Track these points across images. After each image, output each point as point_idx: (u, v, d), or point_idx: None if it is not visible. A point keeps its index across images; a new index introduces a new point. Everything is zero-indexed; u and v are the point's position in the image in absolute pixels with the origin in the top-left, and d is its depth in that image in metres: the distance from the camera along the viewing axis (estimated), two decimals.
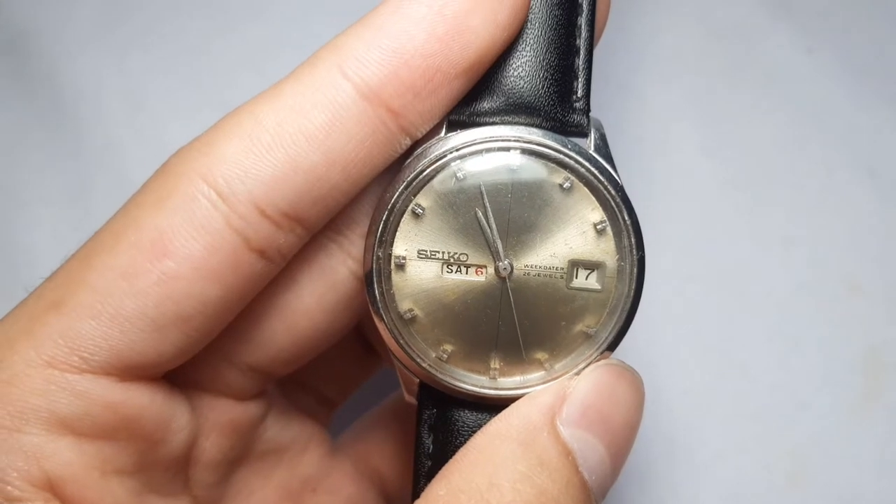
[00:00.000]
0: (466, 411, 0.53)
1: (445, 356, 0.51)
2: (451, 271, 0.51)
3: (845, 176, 0.86)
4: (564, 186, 0.50)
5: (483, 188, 0.50)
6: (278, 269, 0.51)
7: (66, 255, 0.50)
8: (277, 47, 0.89)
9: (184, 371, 0.53)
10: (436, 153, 0.50)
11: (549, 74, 0.52)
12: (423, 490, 0.48)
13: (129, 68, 0.89)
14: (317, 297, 0.55)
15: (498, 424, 0.48)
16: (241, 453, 0.60)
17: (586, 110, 0.52)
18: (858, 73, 0.87)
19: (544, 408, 0.48)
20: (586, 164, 0.50)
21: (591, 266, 0.51)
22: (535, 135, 0.50)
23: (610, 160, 0.51)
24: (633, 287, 0.51)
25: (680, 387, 0.82)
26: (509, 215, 0.50)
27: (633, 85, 0.88)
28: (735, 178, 0.86)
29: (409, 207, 0.50)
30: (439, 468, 0.48)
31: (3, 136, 0.89)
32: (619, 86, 0.88)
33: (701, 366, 0.83)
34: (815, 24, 0.88)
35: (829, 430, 0.81)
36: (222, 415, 0.57)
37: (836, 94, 0.87)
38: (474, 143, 0.50)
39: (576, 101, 0.52)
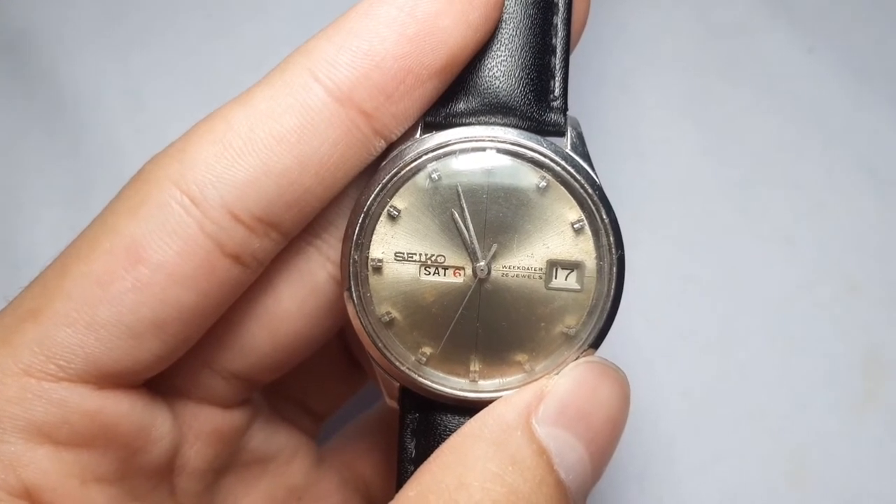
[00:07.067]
0: (449, 415, 0.52)
1: (424, 359, 0.51)
2: (429, 273, 0.50)
3: (845, 176, 0.85)
4: (541, 186, 0.50)
5: (459, 189, 0.50)
6: (255, 274, 0.51)
7: None
8: (277, 47, 0.89)
9: (165, 378, 0.53)
10: (411, 155, 0.50)
11: (525, 74, 0.51)
12: None
13: (129, 68, 0.90)
14: (297, 301, 0.55)
15: (472, 425, 0.48)
16: (227, 462, 0.60)
17: (563, 109, 0.52)
18: (858, 73, 0.87)
19: (520, 406, 0.48)
20: (562, 163, 0.50)
21: (570, 266, 0.50)
22: (510, 135, 0.50)
23: (587, 159, 0.51)
24: (613, 286, 0.50)
25: (679, 387, 0.82)
26: (486, 216, 0.50)
27: (632, 85, 0.88)
28: (735, 178, 0.86)
29: (385, 210, 0.50)
30: None
31: (3, 136, 0.89)
32: (618, 86, 0.88)
33: (700, 366, 0.82)
34: (815, 24, 0.88)
35: (829, 430, 0.80)
36: (206, 423, 0.57)
37: (836, 94, 0.87)
38: (450, 144, 0.50)
39: (553, 101, 0.52)
